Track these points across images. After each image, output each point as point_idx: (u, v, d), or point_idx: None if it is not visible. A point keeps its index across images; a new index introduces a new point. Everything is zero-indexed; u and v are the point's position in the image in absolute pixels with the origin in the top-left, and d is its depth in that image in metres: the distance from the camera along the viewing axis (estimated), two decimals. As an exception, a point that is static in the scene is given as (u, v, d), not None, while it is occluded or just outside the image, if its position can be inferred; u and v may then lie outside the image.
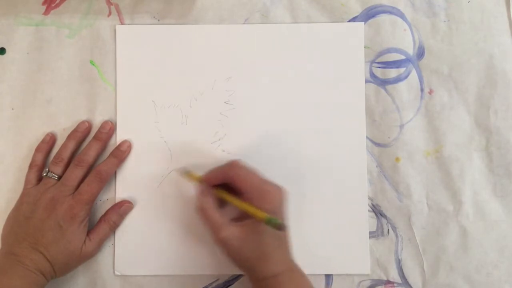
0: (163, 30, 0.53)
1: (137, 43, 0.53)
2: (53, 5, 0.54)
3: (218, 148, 0.53)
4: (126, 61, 0.53)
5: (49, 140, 0.52)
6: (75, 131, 0.52)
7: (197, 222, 0.52)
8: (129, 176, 0.53)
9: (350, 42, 0.54)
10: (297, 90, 0.53)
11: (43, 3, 0.54)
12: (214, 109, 0.53)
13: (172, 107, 0.53)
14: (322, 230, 0.52)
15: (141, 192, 0.53)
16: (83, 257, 0.49)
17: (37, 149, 0.52)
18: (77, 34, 0.54)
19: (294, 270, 0.47)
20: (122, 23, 0.54)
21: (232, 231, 0.45)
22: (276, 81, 0.53)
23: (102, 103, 0.53)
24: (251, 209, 0.44)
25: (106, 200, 0.52)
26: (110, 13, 0.54)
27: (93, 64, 0.53)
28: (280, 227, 0.42)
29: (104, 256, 0.52)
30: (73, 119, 0.53)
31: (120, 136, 0.53)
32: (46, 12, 0.54)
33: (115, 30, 0.53)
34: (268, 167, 0.52)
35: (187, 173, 0.50)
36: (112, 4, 0.54)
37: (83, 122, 0.52)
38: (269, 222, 0.42)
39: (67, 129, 0.53)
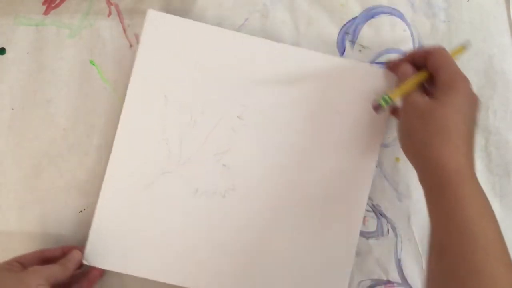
0: (195, 27, 0.51)
1: (165, 32, 0.51)
2: (53, 5, 0.54)
3: (219, 161, 0.51)
4: (148, 48, 0.51)
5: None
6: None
7: (184, 230, 0.51)
8: (121, 170, 0.51)
9: (369, 84, 0.51)
10: (310, 119, 0.51)
11: (43, 3, 0.54)
12: (225, 120, 0.51)
13: (183, 107, 0.51)
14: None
15: (131, 187, 0.51)
16: None
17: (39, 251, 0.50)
18: (77, 34, 0.53)
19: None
20: (122, 23, 0.54)
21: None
22: (292, 106, 0.51)
23: (102, 103, 0.53)
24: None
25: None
26: (110, 13, 0.54)
27: (93, 64, 0.53)
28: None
29: None
30: (73, 119, 0.53)
31: (122, 125, 0.51)
32: (46, 12, 0.54)
33: (114, 30, 0.53)
34: (267, 181, 0.52)
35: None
36: (112, 4, 0.54)
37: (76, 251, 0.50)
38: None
39: (67, 129, 0.53)
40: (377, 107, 0.47)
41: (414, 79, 0.46)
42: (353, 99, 0.51)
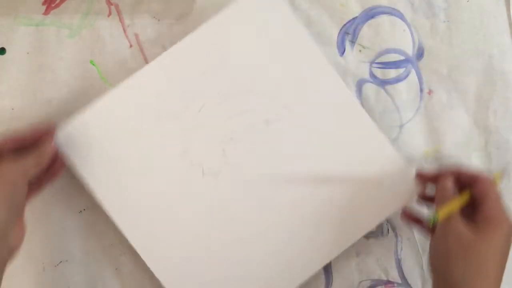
0: (284, 18, 0.51)
1: (251, 6, 0.50)
2: (53, 5, 0.54)
3: (222, 143, 0.50)
4: (228, 17, 0.50)
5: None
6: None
7: (156, 182, 0.50)
8: (135, 93, 0.50)
9: (392, 178, 0.51)
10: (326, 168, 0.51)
11: (43, 3, 0.54)
12: (253, 114, 0.51)
13: (225, 78, 0.50)
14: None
15: (134, 109, 0.50)
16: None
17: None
18: (77, 34, 0.53)
19: None
20: (122, 23, 0.54)
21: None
22: (316, 148, 0.51)
23: (102, 103, 0.53)
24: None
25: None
26: (110, 13, 0.54)
27: (93, 64, 0.53)
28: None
29: (104, 256, 0.52)
30: (73, 119, 0.53)
31: (163, 59, 0.50)
32: (46, 12, 0.53)
33: (114, 30, 0.53)
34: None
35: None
36: (112, 4, 0.54)
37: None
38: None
39: (67, 129, 0.53)
40: (407, 217, 0.49)
41: (459, 201, 0.44)
42: (375, 187, 0.50)
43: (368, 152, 0.51)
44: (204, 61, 0.50)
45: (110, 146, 0.50)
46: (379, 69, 0.54)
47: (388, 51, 0.54)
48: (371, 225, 0.51)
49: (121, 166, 0.50)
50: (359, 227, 0.51)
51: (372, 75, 0.54)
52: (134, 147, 0.50)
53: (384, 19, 0.54)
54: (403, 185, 0.50)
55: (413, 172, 0.49)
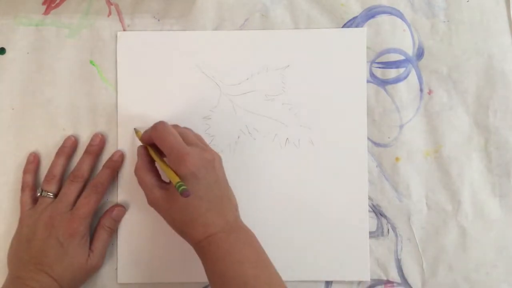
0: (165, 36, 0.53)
1: (138, 48, 0.53)
2: (53, 5, 0.53)
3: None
4: (127, 66, 0.53)
5: (34, 160, 0.52)
6: (62, 146, 0.52)
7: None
8: (130, 179, 0.52)
9: (353, 47, 0.53)
10: (298, 92, 0.53)
11: (43, 3, 0.54)
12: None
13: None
14: (321, 234, 0.52)
15: (142, 195, 0.52)
16: (90, 270, 0.49)
17: (25, 171, 0.52)
18: (77, 34, 0.53)
19: (232, 229, 0.45)
20: (122, 23, 0.53)
21: (159, 195, 0.45)
22: (278, 85, 0.53)
23: (102, 103, 0.53)
24: (168, 172, 0.43)
25: (106, 201, 0.52)
26: (110, 13, 0.54)
27: (93, 64, 0.53)
28: (183, 193, 0.41)
29: (106, 264, 0.52)
30: (73, 119, 0.53)
31: (121, 141, 0.53)
32: (46, 12, 0.53)
33: (115, 33, 0.53)
34: (265, 166, 0.53)
35: (136, 132, 0.50)
36: (112, 4, 0.54)
37: (69, 137, 0.52)
38: (177, 187, 0.41)
39: (67, 129, 0.53)
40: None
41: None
42: (335, 61, 0.54)
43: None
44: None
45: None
46: (379, 69, 0.54)
47: (388, 51, 0.54)
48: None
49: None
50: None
51: (373, 75, 0.54)
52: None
53: (384, 19, 0.54)
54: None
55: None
